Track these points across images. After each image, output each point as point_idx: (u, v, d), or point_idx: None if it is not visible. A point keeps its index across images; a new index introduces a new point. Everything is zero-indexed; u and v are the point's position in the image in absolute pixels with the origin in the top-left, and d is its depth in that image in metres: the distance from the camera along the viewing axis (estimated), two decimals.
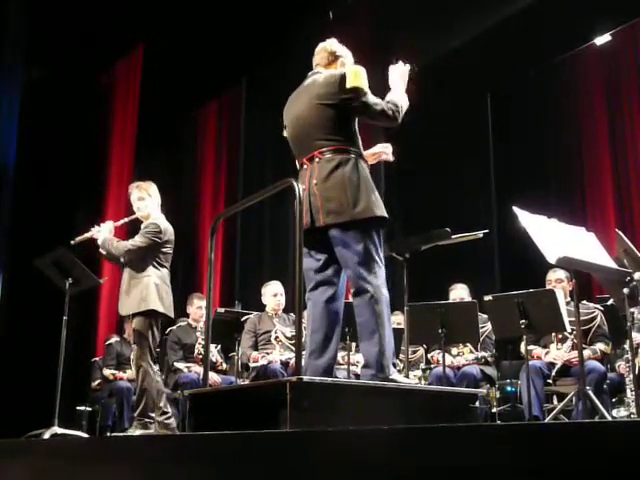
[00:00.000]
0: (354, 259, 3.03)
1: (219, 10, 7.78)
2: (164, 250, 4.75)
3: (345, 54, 3.38)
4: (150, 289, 4.60)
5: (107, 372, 6.88)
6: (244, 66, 8.59)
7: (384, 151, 3.44)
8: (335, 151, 3.10)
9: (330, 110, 3.11)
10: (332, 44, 3.39)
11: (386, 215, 3.11)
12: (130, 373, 6.54)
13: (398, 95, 3.26)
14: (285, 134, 3.37)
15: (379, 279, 3.04)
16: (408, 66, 3.40)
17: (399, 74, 3.35)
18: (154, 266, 4.69)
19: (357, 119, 3.21)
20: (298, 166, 3.29)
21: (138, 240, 4.71)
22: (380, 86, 3.30)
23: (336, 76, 3.15)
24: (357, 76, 3.08)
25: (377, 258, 3.06)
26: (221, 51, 8.22)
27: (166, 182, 6.15)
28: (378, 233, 3.11)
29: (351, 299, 3.11)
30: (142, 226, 4.82)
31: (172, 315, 4.80)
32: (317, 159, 3.11)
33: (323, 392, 2.58)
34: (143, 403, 4.54)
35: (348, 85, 3.07)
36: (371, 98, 3.13)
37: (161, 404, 4.59)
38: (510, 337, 5.41)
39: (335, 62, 3.34)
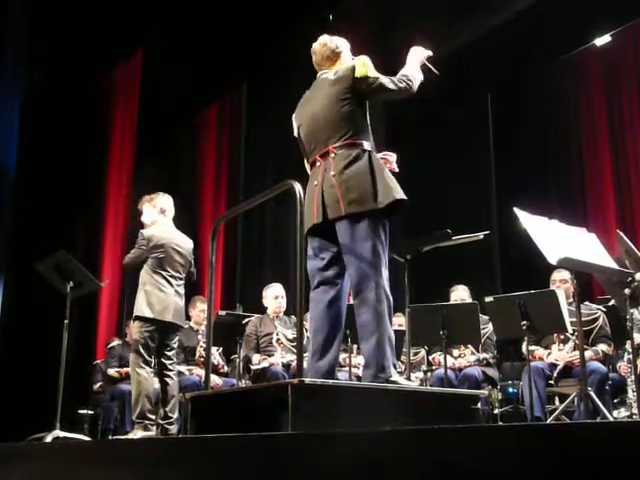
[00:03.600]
0: (360, 256, 3.01)
1: (219, 15, 7.79)
2: (154, 256, 4.82)
3: (342, 45, 3.41)
4: (139, 297, 4.76)
5: (111, 371, 6.84)
6: (244, 70, 8.60)
7: (388, 159, 3.44)
8: (350, 146, 3.13)
9: (345, 105, 3.16)
10: (328, 41, 3.40)
11: (404, 197, 3.10)
12: None
13: (410, 69, 3.32)
14: (296, 134, 3.41)
15: (384, 279, 3.02)
16: (430, 52, 3.45)
17: (418, 55, 3.42)
18: (147, 273, 4.81)
19: (368, 114, 3.24)
20: (308, 166, 3.32)
21: (130, 253, 4.95)
22: None
23: (348, 70, 3.20)
24: (364, 65, 3.17)
25: (383, 258, 3.05)
26: (221, 56, 8.23)
27: (166, 186, 6.16)
28: (385, 232, 3.09)
29: (352, 301, 3.09)
30: None
31: (167, 319, 4.75)
32: (332, 154, 3.14)
33: (324, 394, 2.58)
34: (140, 405, 4.57)
35: (357, 75, 3.14)
36: (383, 79, 3.19)
37: (167, 408, 4.62)
38: (511, 338, 5.40)
39: (338, 59, 3.37)
